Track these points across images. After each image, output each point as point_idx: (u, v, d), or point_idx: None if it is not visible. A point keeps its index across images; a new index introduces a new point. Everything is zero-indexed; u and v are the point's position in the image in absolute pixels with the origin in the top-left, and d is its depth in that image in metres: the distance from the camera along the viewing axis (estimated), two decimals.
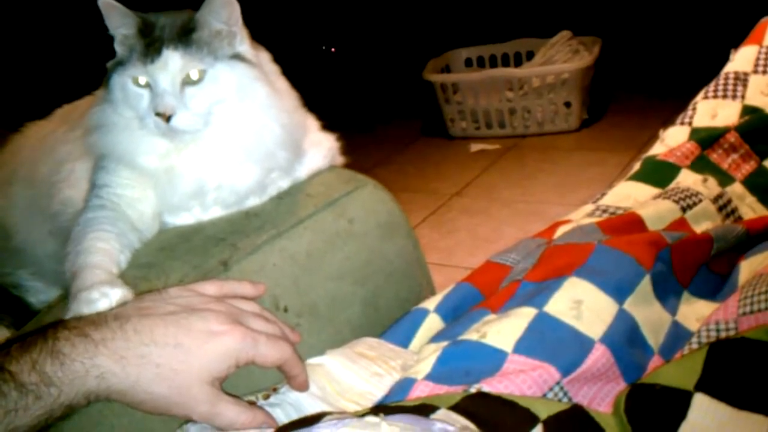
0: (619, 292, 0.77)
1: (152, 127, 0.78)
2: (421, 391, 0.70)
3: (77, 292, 0.68)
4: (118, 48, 0.81)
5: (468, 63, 3.29)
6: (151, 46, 0.77)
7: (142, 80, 0.78)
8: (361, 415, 0.56)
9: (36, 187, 0.94)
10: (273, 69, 0.87)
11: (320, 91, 1.13)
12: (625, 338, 0.74)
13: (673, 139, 1.17)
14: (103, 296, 0.67)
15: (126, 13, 0.78)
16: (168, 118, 0.76)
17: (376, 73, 3.64)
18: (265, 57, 0.86)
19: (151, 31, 0.78)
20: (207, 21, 0.79)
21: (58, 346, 0.58)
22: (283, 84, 0.87)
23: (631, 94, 3.12)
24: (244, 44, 0.82)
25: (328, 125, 0.95)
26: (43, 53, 2.60)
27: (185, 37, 0.78)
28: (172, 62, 0.77)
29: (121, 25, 0.79)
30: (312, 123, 0.92)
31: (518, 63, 3.19)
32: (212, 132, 0.80)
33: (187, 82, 0.78)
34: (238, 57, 0.81)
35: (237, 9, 0.80)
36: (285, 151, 0.84)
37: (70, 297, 0.69)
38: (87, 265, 0.73)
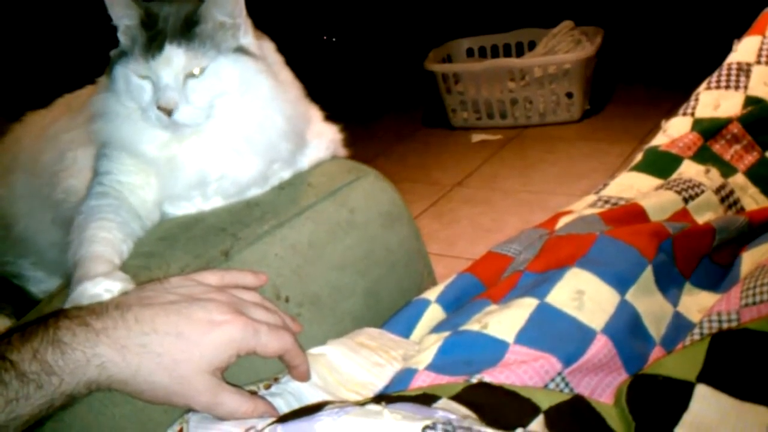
0: (621, 282, 0.76)
1: (154, 120, 0.77)
2: (422, 381, 0.70)
3: (79, 283, 0.68)
4: (122, 37, 0.80)
5: (469, 53, 3.28)
6: (153, 41, 0.77)
7: (145, 74, 0.78)
8: (363, 404, 0.56)
9: (38, 176, 0.94)
10: (276, 59, 0.86)
11: (321, 82, 1.13)
12: (627, 329, 0.74)
13: (675, 130, 1.16)
14: (106, 291, 0.67)
15: (128, 3, 0.78)
16: (170, 112, 0.76)
17: (377, 63, 3.63)
18: (268, 47, 0.86)
19: (154, 24, 0.78)
20: (211, 13, 0.78)
21: (59, 335, 0.58)
22: (286, 75, 0.87)
23: (633, 85, 3.11)
24: (247, 36, 0.82)
25: (329, 116, 0.95)
26: (43, 43, 2.59)
27: (188, 31, 0.77)
28: (176, 58, 0.76)
29: (123, 15, 0.79)
30: (315, 113, 0.92)
31: (520, 53, 3.18)
32: (215, 124, 0.80)
33: (189, 75, 0.77)
34: (241, 50, 0.80)
35: (241, 1, 0.79)
36: (288, 143, 0.84)
37: (72, 287, 0.69)
38: (89, 255, 0.72)
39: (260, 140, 0.82)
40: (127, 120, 0.80)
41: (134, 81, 0.78)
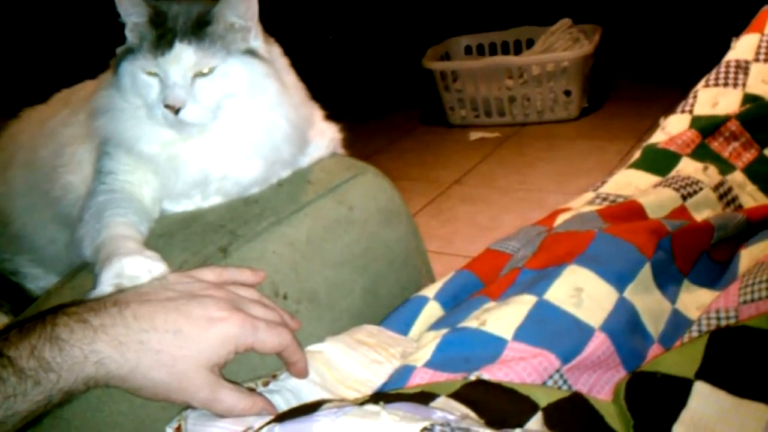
0: (620, 280, 0.76)
1: (160, 118, 0.77)
2: (420, 379, 0.70)
3: (113, 258, 0.69)
4: (129, 35, 0.80)
5: (468, 51, 3.29)
6: (163, 38, 0.76)
7: (153, 71, 0.77)
8: (361, 402, 0.56)
9: (36, 172, 0.93)
10: (283, 63, 0.86)
11: (319, 79, 1.13)
12: (626, 326, 0.74)
13: (673, 128, 1.16)
14: (143, 264, 0.69)
15: (137, 1, 0.77)
16: (177, 110, 0.76)
17: (376, 61, 3.63)
18: (276, 51, 0.86)
19: (164, 22, 0.77)
20: (223, 14, 0.78)
21: (56, 332, 0.58)
22: (291, 78, 0.87)
23: (631, 83, 3.12)
24: (258, 39, 0.81)
25: (328, 114, 0.95)
26: (40, 39, 2.58)
27: (199, 30, 0.77)
28: (185, 56, 0.76)
29: (132, 12, 0.78)
30: (316, 113, 0.92)
31: (518, 51, 3.18)
32: (220, 125, 0.79)
33: (197, 74, 0.77)
34: (251, 53, 0.80)
35: (255, 3, 0.79)
36: (291, 146, 0.84)
37: (105, 263, 0.69)
38: (116, 236, 0.73)
39: (264, 144, 0.82)
40: (131, 117, 0.80)
41: (141, 78, 0.78)
